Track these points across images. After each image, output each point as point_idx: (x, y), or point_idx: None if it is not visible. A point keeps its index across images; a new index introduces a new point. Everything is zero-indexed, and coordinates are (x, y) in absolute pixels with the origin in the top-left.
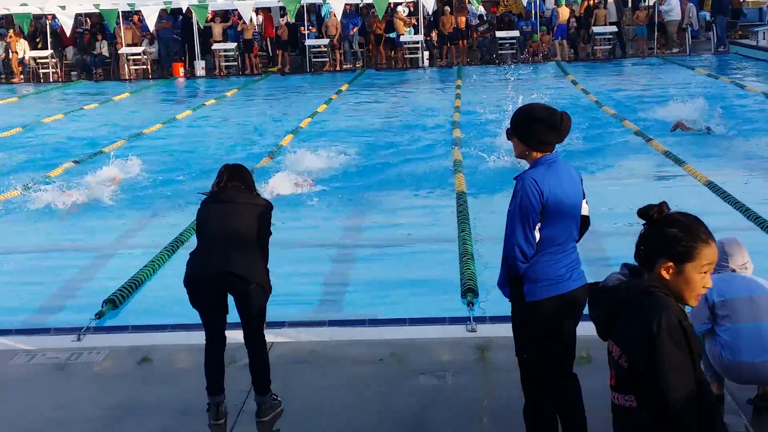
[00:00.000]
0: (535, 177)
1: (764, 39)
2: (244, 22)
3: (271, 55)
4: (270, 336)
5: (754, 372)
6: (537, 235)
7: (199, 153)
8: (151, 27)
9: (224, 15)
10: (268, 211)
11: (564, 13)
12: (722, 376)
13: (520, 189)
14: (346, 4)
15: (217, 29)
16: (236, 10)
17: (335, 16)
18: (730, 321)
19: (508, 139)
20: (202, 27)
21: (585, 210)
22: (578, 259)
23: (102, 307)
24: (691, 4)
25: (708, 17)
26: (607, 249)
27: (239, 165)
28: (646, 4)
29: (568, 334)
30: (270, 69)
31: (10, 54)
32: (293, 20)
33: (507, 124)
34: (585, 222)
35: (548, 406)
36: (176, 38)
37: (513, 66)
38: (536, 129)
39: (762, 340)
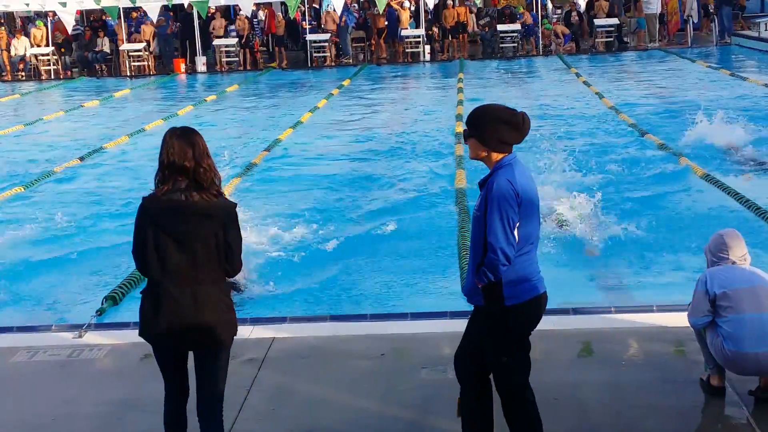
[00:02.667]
0: (508, 178)
1: (766, 30)
2: (241, 18)
3: (271, 51)
4: (271, 332)
5: (757, 363)
6: (517, 236)
7: None
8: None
9: (226, 10)
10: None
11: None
12: (724, 368)
13: (496, 192)
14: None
15: (218, 24)
16: (237, 5)
17: (334, 10)
18: (733, 312)
19: (465, 141)
20: (204, 17)
21: None
22: None
23: (102, 303)
24: None
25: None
26: None
27: (187, 130)
28: None
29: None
30: (269, 65)
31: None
32: (293, 16)
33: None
34: None
35: (529, 399)
36: (172, 35)
37: (516, 59)
38: (499, 130)
39: (765, 330)
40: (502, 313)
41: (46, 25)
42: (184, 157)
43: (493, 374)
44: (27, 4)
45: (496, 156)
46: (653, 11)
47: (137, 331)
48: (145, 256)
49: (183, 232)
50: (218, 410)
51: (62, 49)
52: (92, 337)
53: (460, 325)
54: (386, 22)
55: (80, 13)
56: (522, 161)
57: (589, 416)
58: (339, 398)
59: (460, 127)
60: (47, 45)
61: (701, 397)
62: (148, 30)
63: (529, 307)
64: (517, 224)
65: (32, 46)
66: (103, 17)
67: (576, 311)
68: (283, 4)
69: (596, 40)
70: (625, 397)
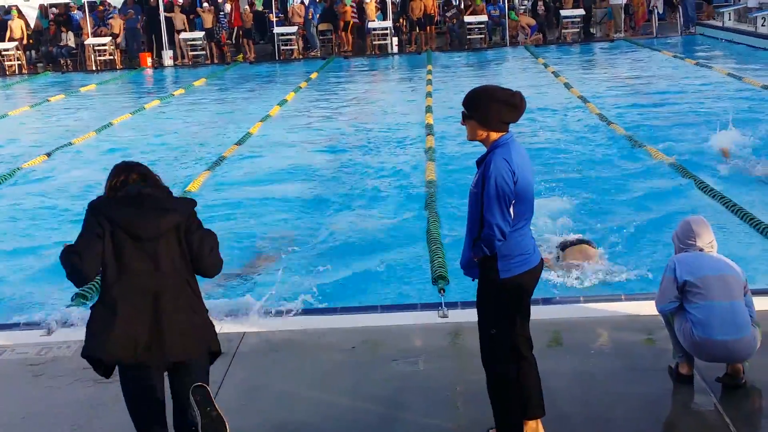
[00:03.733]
0: (505, 157)
1: (730, 20)
2: (204, 11)
3: (238, 44)
4: (243, 326)
5: (726, 350)
6: (512, 213)
7: (169, 143)
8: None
9: (191, 5)
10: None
11: None
12: (692, 355)
13: (493, 170)
14: None
15: (179, 18)
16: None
17: (301, 2)
18: (702, 298)
19: (463, 122)
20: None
21: None
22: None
23: (72, 300)
24: None
25: None
26: None
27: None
28: None
29: (527, 304)
30: (236, 58)
31: None
32: (260, 7)
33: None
34: None
35: (514, 374)
36: (139, 28)
37: (483, 50)
38: (497, 109)
39: (734, 317)
40: (497, 285)
41: (21, 17)
42: (132, 165)
43: (480, 348)
44: None
45: (494, 135)
46: (619, 2)
47: None
48: (95, 259)
49: (142, 228)
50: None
51: (30, 41)
52: (60, 335)
53: (431, 317)
54: (354, 14)
55: (42, 7)
56: (518, 143)
57: (559, 405)
58: (310, 392)
59: (431, 119)
60: (27, 37)
61: (669, 385)
62: (116, 24)
63: (522, 279)
64: (513, 201)
65: (9, 39)
66: (70, 10)
67: (545, 301)
68: None
69: (563, 30)
70: (594, 386)
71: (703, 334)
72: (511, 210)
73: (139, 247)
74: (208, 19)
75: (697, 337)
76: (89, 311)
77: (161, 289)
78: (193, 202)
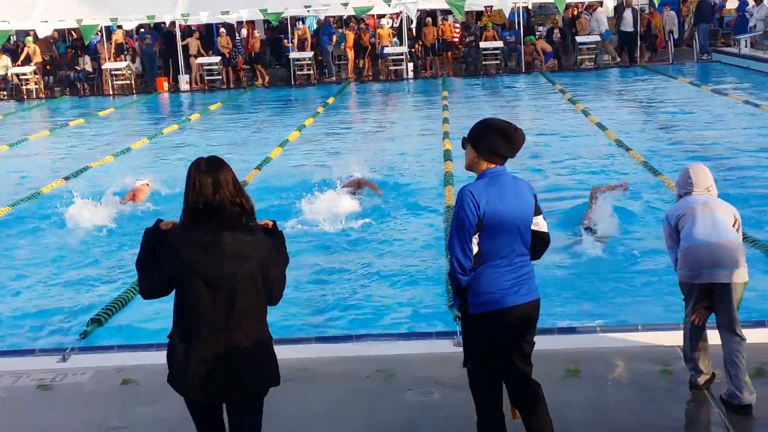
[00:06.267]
0: (472, 190)
1: (746, 47)
2: (222, 36)
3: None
4: None
5: (710, 251)
6: (475, 248)
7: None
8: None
9: (207, 30)
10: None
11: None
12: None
13: (456, 202)
14: (326, 16)
15: (194, 44)
16: (219, 24)
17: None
18: (688, 219)
19: (463, 147)
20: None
21: (541, 226)
22: (531, 273)
23: (87, 326)
24: (673, 12)
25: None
26: None
27: (213, 164)
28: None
29: (516, 346)
30: (252, 83)
31: None
32: (276, 24)
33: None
34: (542, 238)
35: (496, 420)
36: (156, 53)
37: (499, 76)
38: (489, 137)
39: (716, 225)
40: (467, 320)
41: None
42: (210, 196)
43: None
44: (7, 22)
45: (484, 165)
46: (628, 29)
47: (121, 353)
48: (158, 287)
49: (218, 275)
50: None
51: (48, 67)
52: (77, 361)
53: (446, 346)
54: (371, 40)
55: (57, 33)
56: (512, 179)
57: None
58: (323, 422)
59: (448, 144)
60: (41, 61)
61: (686, 418)
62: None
63: (491, 319)
64: (476, 235)
65: (24, 61)
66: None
67: (561, 331)
68: (266, 21)
69: (578, 57)
70: (610, 417)
71: (688, 243)
72: (474, 243)
73: (214, 291)
74: (224, 44)
75: (683, 248)
76: (167, 340)
77: (232, 330)
78: (269, 241)
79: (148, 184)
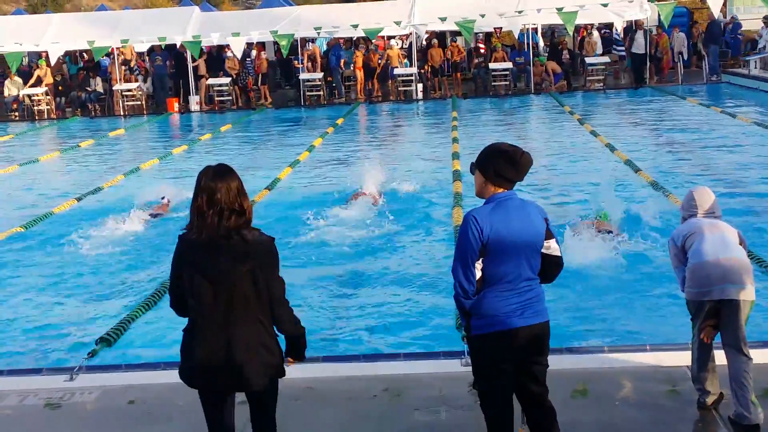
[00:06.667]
0: (476, 215)
1: (756, 68)
2: (231, 58)
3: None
4: None
5: (719, 267)
6: (478, 273)
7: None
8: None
9: (219, 51)
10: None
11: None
12: (697, 299)
13: (461, 226)
14: (334, 38)
15: (202, 65)
16: (228, 45)
17: (317, 49)
18: (696, 238)
19: (471, 173)
20: (196, 58)
21: (553, 250)
22: (539, 297)
23: (95, 345)
24: (682, 33)
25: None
26: None
27: (220, 172)
28: (629, 36)
29: (525, 368)
30: (262, 103)
31: None
32: (286, 54)
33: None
34: (555, 262)
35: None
36: (169, 73)
37: (508, 97)
38: (496, 161)
39: (726, 243)
40: (471, 341)
41: (48, 65)
42: (216, 202)
43: None
44: (20, 44)
45: (492, 190)
46: (639, 51)
47: (129, 373)
48: (181, 296)
49: (217, 273)
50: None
51: (60, 88)
52: (84, 380)
53: (454, 366)
54: (380, 61)
55: (67, 55)
56: (520, 203)
57: None
58: None
59: (458, 165)
60: (51, 82)
61: None
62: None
63: (493, 341)
64: (480, 260)
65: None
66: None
67: (569, 351)
68: (275, 43)
69: (587, 78)
70: None
71: (696, 259)
72: (478, 270)
73: (214, 289)
74: (231, 66)
75: (692, 264)
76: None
77: (232, 325)
78: (270, 241)
79: (168, 203)
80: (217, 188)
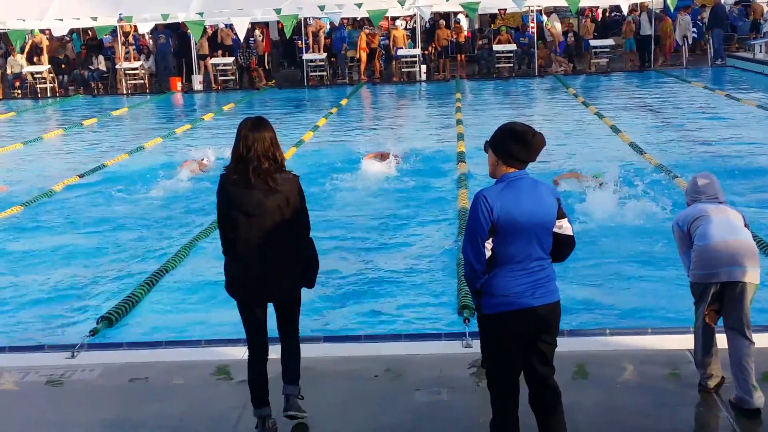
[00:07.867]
0: (486, 194)
1: (761, 52)
2: (222, 30)
3: (266, 69)
4: None
5: (726, 249)
6: (488, 252)
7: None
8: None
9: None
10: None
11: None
12: (703, 282)
13: (471, 206)
14: (341, 19)
15: (205, 45)
16: (232, 25)
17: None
18: (702, 221)
19: (485, 151)
20: (197, 42)
21: (565, 229)
22: (549, 276)
23: (97, 324)
24: (688, 16)
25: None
26: None
27: (258, 124)
28: (632, 18)
29: (533, 347)
30: (267, 83)
31: None
32: (289, 36)
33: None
34: (566, 241)
35: (509, 420)
36: (171, 53)
37: (512, 79)
38: (508, 141)
39: (732, 225)
40: (481, 320)
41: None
42: (251, 148)
43: None
44: (23, 20)
45: (504, 170)
46: (646, 33)
47: (130, 351)
48: (223, 227)
49: (251, 207)
50: (296, 333)
51: (62, 66)
52: (85, 357)
53: (455, 347)
54: (382, 42)
55: (72, 32)
56: (532, 183)
57: None
58: (331, 421)
59: (462, 146)
60: (47, 46)
61: (695, 421)
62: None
63: (503, 319)
64: (490, 239)
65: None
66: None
67: (571, 333)
68: (278, 23)
69: (591, 60)
70: (618, 420)
71: (703, 242)
72: (488, 249)
73: (249, 220)
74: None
75: (698, 247)
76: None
77: (266, 249)
78: (296, 179)
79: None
80: (253, 137)
